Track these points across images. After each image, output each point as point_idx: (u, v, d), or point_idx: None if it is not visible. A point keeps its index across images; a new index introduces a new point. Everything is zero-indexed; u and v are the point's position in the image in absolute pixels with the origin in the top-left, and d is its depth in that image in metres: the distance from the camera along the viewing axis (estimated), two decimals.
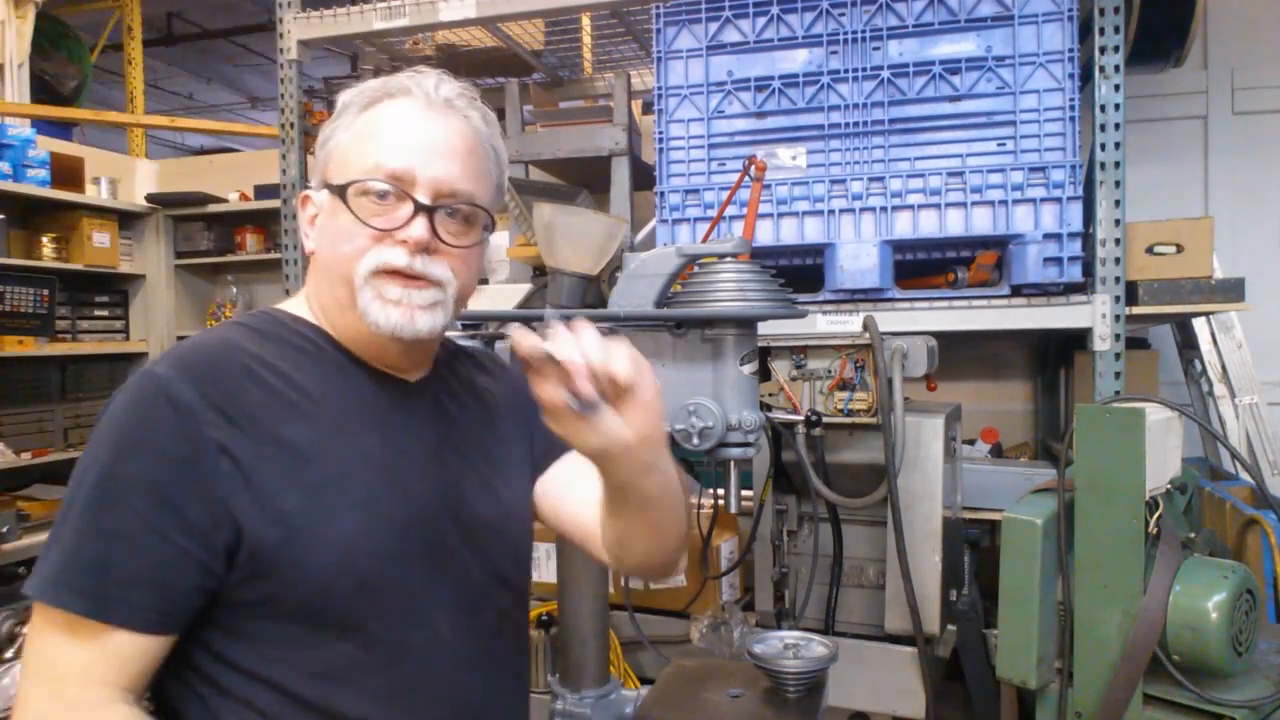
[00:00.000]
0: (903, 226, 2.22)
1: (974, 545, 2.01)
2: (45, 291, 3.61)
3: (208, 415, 0.90)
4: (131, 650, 0.87)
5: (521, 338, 0.86)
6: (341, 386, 1.01)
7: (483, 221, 1.07)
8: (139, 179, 4.57)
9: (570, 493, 1.18)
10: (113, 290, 4.27)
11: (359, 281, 0.98)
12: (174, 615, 0.89)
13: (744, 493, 1.56)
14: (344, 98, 1.06)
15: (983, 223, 2.17)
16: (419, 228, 0.99)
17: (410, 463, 1.03)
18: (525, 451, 1.20)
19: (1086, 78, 2.17)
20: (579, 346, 0.86)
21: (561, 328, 0.88)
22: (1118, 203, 2.08)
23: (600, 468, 0.95)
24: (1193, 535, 1.52)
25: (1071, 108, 2.11)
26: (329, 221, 1.02)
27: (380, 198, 0.99)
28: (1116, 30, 2.06)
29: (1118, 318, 2.05)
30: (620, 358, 0.87)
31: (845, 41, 2.25)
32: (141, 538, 0.87)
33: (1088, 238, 2.13)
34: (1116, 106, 2.06)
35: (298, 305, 1.08)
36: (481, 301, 2.60)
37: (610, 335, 0.90)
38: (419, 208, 0.99)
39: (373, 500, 0.97)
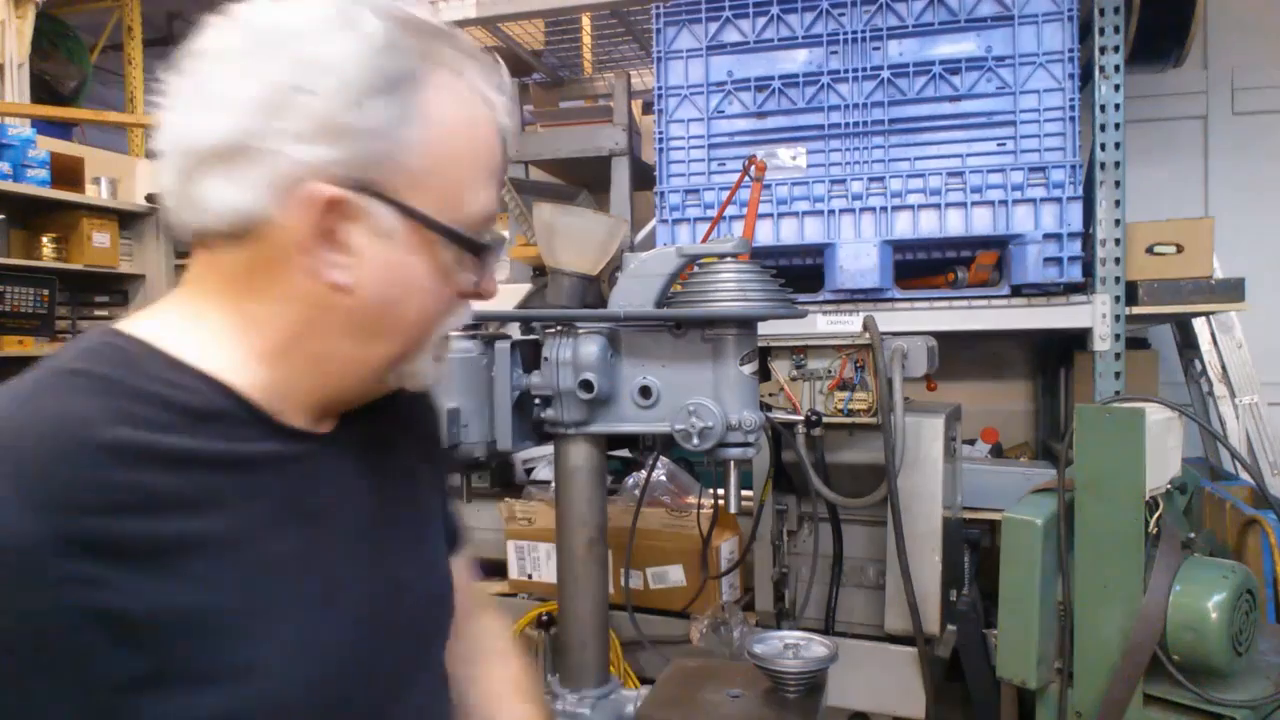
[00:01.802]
0: (903, 226, 2.22)
1: (974, 545, 2.01)
2: (45, 291, 3.61)
3: (69, 559, 0.56)
4: None
5: None
6: (244, 480, 0.68)
7: None
8: (139, 179, 4.57)
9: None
10: (113, 290, 4.28)
11: (426, 344, 0.76)
12: None
13: (744, 493, 1.56)
14: (374, 31, 0.67)
15: (983, 223, 2.17)
16: (494, 280, 0.79)
17: (341, 559, 0.74)
18: (440, 502, 0.95)
19: (1086, 78, 2.17)
20: None
21: None
22: (1118, 203, 2.08)
23: None
24: (1193, 535, 1.51)
25: (1071, 108, 2.11)
26: (401, 259, 0.70)
27: (484, 253, 0.76)
28: (1116, 30, 2.06)
29: (1118, 318, 2.05)
30: None
31: (845, 41, 2.25)
32: None
33: (1088, 238, 2.13)
34: (1116, 106, 2.06)
35: (183, 339, 0.69)
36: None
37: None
38: (493, 259, 0.79)
39: (306, 630, 0.69)
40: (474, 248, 0.74)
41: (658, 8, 2.39)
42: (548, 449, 1.64)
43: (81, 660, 0.57)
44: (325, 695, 0.70)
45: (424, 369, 0.77)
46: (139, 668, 0.59)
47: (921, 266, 2.34)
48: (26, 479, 0.56)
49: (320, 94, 0.65)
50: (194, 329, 0.70)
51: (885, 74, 2.22)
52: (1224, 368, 2.72)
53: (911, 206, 2.21)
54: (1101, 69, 2.07)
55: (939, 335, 1.86)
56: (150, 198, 4.31)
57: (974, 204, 2.16)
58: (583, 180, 3.02)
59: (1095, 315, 2.06)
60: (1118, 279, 2.06)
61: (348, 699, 0.72)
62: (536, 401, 1.45)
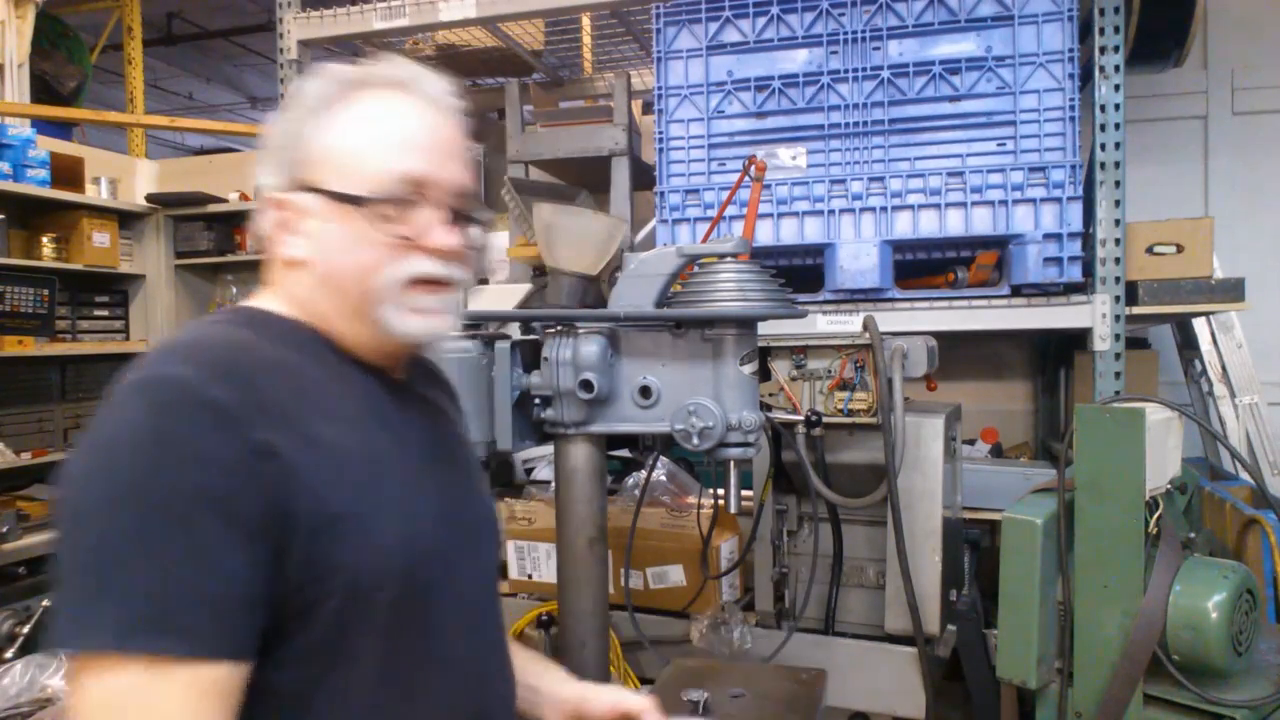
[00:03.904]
0: (903, 226, 2.22)
1: (974, 545, 2.01)
2: (45, 291, 3.61)
3: (249, 415, 0.81)
4: (231, 683, 0.78)
5: None
6: (345, 387, 0.96)
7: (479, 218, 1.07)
8: (139, 179, 4.56)
9: None
10: (113, 290, 4.27)
11: (384, 294, 0.94)
12: (256, 636, 0.81)
13: (744, 493, 1.56)
14: (309, 88, 0.97)
15: (983, 223, 2.17)
16: (453, 236, 0.97)
17: (417, 463, 1.00)
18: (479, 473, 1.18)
19: (1086, 78, 2.17)
20: None
21: None
22: (1118, 203, 2.08)
23: None
24: (1193, 535, 1.52)
25: (1071, 108, 2.11)
26: (332, 229, 0.94)
27: (399, 206, 0.94)
28: (1116, 30, 2.06)
29: (1118, 318, 2.05)
30: None
31: (845, 41, 2.25)
32: (218, 556, 0.77)
33: (1088, 238, 2.13)
34: (1116, 106, 2.06)
35: (272, 305, 0.99)
36: (481, 301, 2.60)
37: None
38: (453, 216, 0.97)
39: (404, 499, 0.94)
40: (354, 201, 0.92)
41: (658, 8, 2.38)
42: (548, 449, 1.64)
43: (264, 479, 0.81)
44: (416, 549, 0.93)
45: (394, 319, 0.95)
46: (289, 491, 0.82)
47: (921, 266, 2.34)
48: (219, 368, 0.83)
49: (276, 140, 0.98)
50: (275, 304, 0.99)
51: (885, 74, 2.22)
52: (1224, 368, 2.72)
53: (911, 206, 2.21)
54: (1101, 69, 2.07)
55: (939, 335, 1.86)
56: (150, 198, 4.31)
57: (974, 204, 2.16)
58: (583, 180, 3.02)
59: (1095, 315, 2.06)
60: (1118, 279, 2.06)
61: (429, 557, 0.94)
62: (536, 401, 1.45)
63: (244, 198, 4.24)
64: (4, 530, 3.12)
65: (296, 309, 0.98)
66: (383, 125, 0.96)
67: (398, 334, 0.95)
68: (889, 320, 2.10)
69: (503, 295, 2.61)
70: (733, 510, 1.41)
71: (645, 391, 1.38)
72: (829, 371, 1.75)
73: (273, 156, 0.97)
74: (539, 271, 2.62)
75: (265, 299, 1.00)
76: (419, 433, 1.03)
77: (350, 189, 0.93)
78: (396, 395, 1.02)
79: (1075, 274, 2.11)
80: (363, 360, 1.00)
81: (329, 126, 0.95)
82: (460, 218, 0.99)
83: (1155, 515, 1.43)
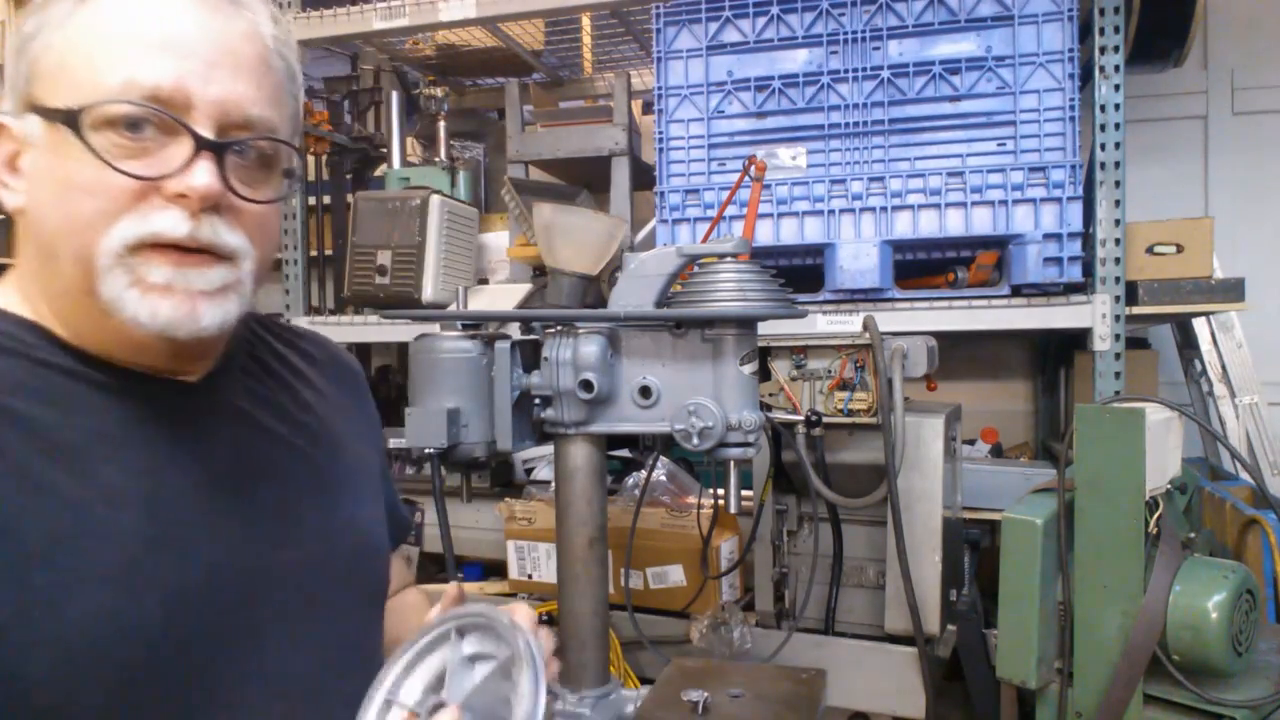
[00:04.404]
0: (903, 226, 2.22)
1: (974, 545, 2.01)
2: None
3: None
4: None
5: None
6: (70, 406, 0.69)
7: (284, 164, 0.77)
8: None
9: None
10: None
11: (104, 260, 0.67)
12: None
13: (744, 493, 1.56)
14: None
15: (983, 223, 2.17)
16: (204, 174, 0.68)
17: (189, 500, 0.72)
18: (378, 465, 0.94)
19: (1086, 78, 2.17)
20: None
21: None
22: (1118, 203, 2.08)
23: None
24: (1193, 535, 1.52)
25: (1071, 108, 2.11)
26: (47, 165, 0.68)
27: (134, 129, 0.67)
28: (1116, 30, 2.06)
29: (1118, 318, 2.05)
30: None
31: (845, 41, 2.25)
32: None
33: (1088, 238, 2.13)
34: (1116, 106, 2.06)
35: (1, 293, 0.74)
36: (481, 301, 2.60)
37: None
38: (202, 144, 0.68)
39: (129, 566, 0.66)
40: (65, 118, 0.66)
41: (658, 8, 2.39)
42: (548, 449, 1.63)
43: None
44: (143, 634, 0.65)
45: (122, 299, 0.68)
46: None
47: (921, 266, 2.34)
48: None
49: (13, 48, 0.71)
50: (8, 286, 0.74)
51: (885, 74, 2.22)
52: (1224, 368, 2.72)
53: (911, 206, 2.21)
54: (1101, 69, 2.07)
55: (939, 335, 1.86)
56: None
57: (974, 204, 2.16)
58: (583, 180, 3.02)
59: (1095, 315, 2.06)
60: (1118, 279, 2.06)
61: (193, 635, 0.68)
62: (536, 401, 1.45)
63: None
64: None
65: (27, 291, 0.72)
66: (122, 18, 0.69)
67: (127, 319, 0.69)
68: (889, 320, 2.10)
69: (503, 295, 2.61)
70: (733, 510, 1.41)
71: (645, 391, 1.38)
72: (829, 371, 1.75)
73: (8, 71, 0.71)
74: (539, 271, 2.62)
75: None
76: (213, 453, 0.75)
77: (63, 102, 0.67)
78: (174, 405, 0.74)
79: (1075, 274, 2.11)
80: (117, 363, 0.72)
81: (58, 26, 0.69)
82: (250, 155, 0.72)
83: (1155, 515, 1.43)
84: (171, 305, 0.68)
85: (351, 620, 0.84)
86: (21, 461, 0.64)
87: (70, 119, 0.66)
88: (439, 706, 0.72)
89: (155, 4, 0.69)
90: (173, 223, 0.68)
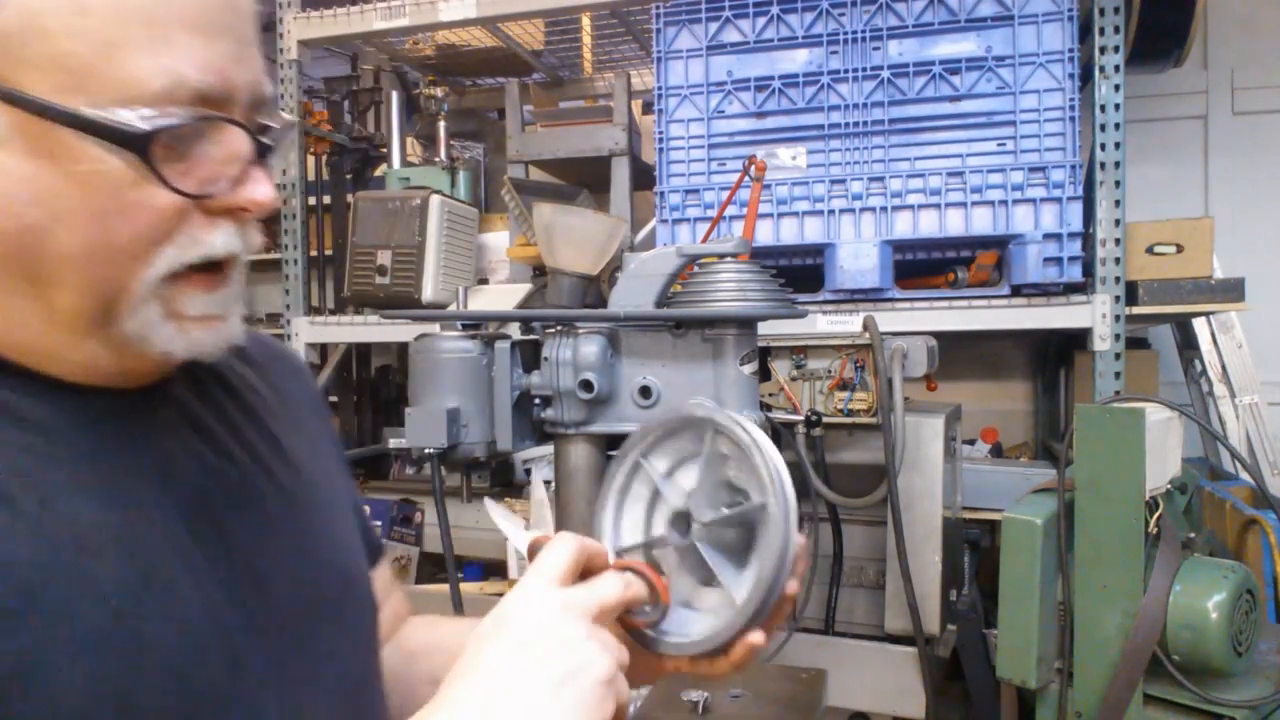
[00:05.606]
0: (903, 226, 2.22)
1: (974, 545, 2.01)
2: None
3: None
4: None
5: None
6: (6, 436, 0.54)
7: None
8: None
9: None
10: None
11: (142, 292, 0.54)
12: None
13: None
14: None
15: (983, 223, 2.17)
16: (266, 184, 0.57)
17: (161, 537, 0.58)
18: (347, 484, 0.82)
19: (1086, 78, 2.17)
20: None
21: None
22: (1118, 203, 2.08)
23: None
24: (1193, 535, 1.52)
25: (1071, 108, 2.11)
26: (32, 172, 0.51)
27: (181, 139, 0.53)
28: (1116, 30, 2.06)
29: (1118, 318, 2.05)
30: None
31: (845, 41, 2.25)
32: None
33: (1088, 238, 2.13)
34: (1116, 106, 2.06)
35: None
36: (481, 301, 2.60)
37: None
38: (262, 150, 0.57)
39: (115, 622, 0.53)
40: (121, 135, 0.49)
41: (658, 8, 2.38)
42: (548, 449, 1.63)
43: None
44: (122, 703, 0.52)
45: (156, 333, 0.56)
46: None
47: (921, 266, 2.34)
48: None
49: None
50: None
51: (885, 74, 2.22)
52: (1224, 368, 2.72)
53: (911, 206, 2.21)
54: (1101, 69, 2.07)
55: (939, 335, 1.86)
56: None
57: (974, 204, 2.16)
58: (583, 180, 3.02)
59: (1095, 315, 2.06)
60: (1118, 279, 2.06)
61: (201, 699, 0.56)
62: (536, 401, 1.45)
63: None
64: None
65: None
66: None
67: (159, 352, 0.57)
68: (889, 320, 2.10)
69: (503, 295, 2.61)
70: None
71: (645, 391, 1.38)
72: (829, 371, 1.75)
73: None
74: (539, 271, 2.62)
75: None
76: (180, 474, 0.61)
77: (69, 98, 0.49)
78: (135, 418, 0.60)
79: (1075, 274, 2.11)
80: (55, 376, 0.57)
81: None
82: (263, 147, 0.58)
83: (1155, 515, 1.43)
84: (212, 336, 0.59)
85: (350, 662, 0.73)
86: None
87: (132, 141, 0.50)
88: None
89: None
90: (225, 241, 0.56)
